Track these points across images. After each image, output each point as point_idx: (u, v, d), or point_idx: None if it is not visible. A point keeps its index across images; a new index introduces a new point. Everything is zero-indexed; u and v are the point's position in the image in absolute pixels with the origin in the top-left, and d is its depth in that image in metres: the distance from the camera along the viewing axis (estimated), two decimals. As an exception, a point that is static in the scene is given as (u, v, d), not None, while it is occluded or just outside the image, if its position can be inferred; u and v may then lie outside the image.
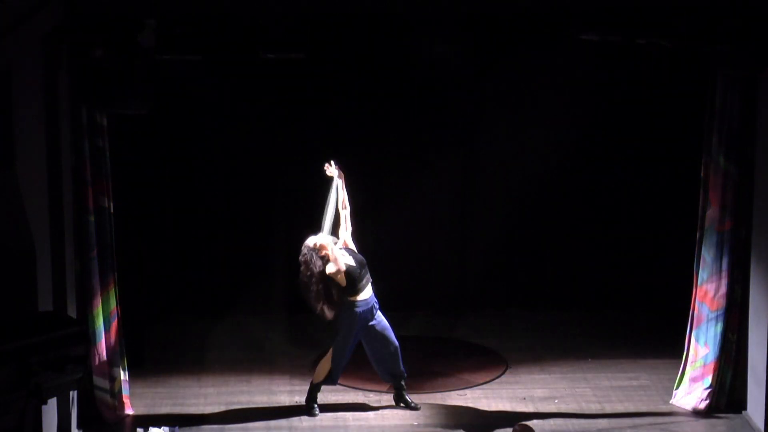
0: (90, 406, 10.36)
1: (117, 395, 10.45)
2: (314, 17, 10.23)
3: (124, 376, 10.49)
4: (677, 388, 10.64)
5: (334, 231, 10.21)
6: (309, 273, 10.09)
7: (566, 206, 13.14)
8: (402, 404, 10.65)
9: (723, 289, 10.32)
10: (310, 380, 10.62)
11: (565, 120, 12.78)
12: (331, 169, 10.18)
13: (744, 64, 9.92)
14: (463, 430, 10.33)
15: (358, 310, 10.23)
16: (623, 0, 10.04)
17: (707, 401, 10.45)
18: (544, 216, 13.21)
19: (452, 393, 11.10)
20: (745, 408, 10.47)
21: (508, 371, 11.62)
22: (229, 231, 13.01)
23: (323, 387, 10.61)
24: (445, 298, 13.09)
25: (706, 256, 10.36)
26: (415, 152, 12.81)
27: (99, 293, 10.25)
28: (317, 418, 10.53)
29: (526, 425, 8.17)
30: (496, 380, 11.42)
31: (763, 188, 10.12)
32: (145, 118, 11.09)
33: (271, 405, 10.83)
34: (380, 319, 10.44)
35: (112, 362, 10.38)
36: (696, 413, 10.45)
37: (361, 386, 11.18)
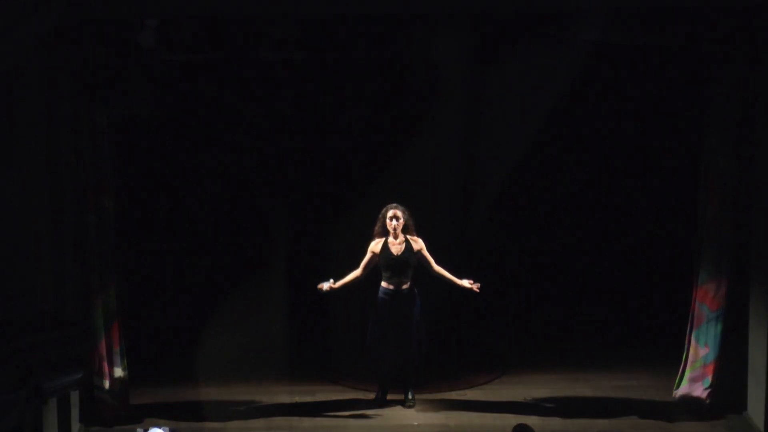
0: (90, 406, 10.37)
1: (117, 395, 10.45)
2: (314, 17, 10.24)
3: (124, 376, 10.50)
4: (677, 388, 10.64)
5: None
6: (379, 224, 10.83)
7: (566, 206, 13.15)
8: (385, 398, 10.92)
9: (723, 289, 10.31)
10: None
11: (564, 120, 12.79)
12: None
13: (743, 63, 9.93)
14: (463, 430, 10.34)
15: (379, 291, 10.73)
16: (623, 0, 10.05)
17: (707, 401, 10.45)
18: (543, 216, 13.21)
19: (452, 393, 11.13)
20: (745, 408, 10.48)
21: (507, 371, 11.63)
22: (229, 230, 13.02)
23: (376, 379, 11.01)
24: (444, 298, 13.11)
25: (706, 255, 10.36)
26: (414, 153, 12.82)
27: (99, 293, 10.26)
28: (317, 417, 10.55)
29: (526, 425, 8.17)
30: (496, 380, 11.43)
31: (763, 188, 10.12)
32: (145, 119, 11.10)
33: (271, 405, 10.86)
34: (403, 317, 10.65)
35: (112, 362, 10.38)
36: (696, 413, 10.45)
37: (361, 386, 11.20)
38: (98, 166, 10.17)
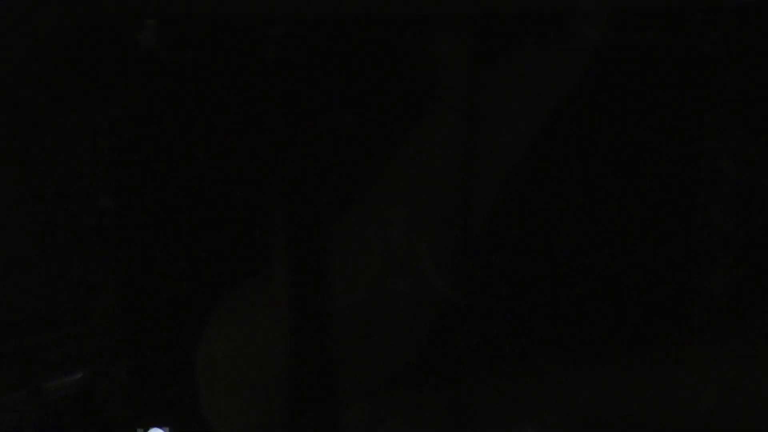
0: (90, 406, 10.39)
1: (117, 395, 10.47)
2: (314, 18, 10.27)
3: (124, 376, 10.52)
4: (677, 387, 10.68)
5: None
6: None
7: (565, 205, 13.22)
8: None
9: (723, 289, 10.37)
10: None
11: (563, 120, 12.86)
12: None
13: (743, 63, 9.96)
14: (463, 430, 10.38)
15: None
16: (623, 0, 10.08)
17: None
18: (541, 216, 13.28)
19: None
20: (744, 407, 10.51)
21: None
22: (230, 230, 13.08)
23: None
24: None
25: (707, 256, 10.39)
26: (414, 153, 12.88)
27: (99, 293, 10.28)
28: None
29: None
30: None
31: (764, 189, 10.14)
32: (145, 118, 11.12)
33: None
34: None
35: (112, 362, 10.41)
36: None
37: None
38: (99, 165, 10.22)
